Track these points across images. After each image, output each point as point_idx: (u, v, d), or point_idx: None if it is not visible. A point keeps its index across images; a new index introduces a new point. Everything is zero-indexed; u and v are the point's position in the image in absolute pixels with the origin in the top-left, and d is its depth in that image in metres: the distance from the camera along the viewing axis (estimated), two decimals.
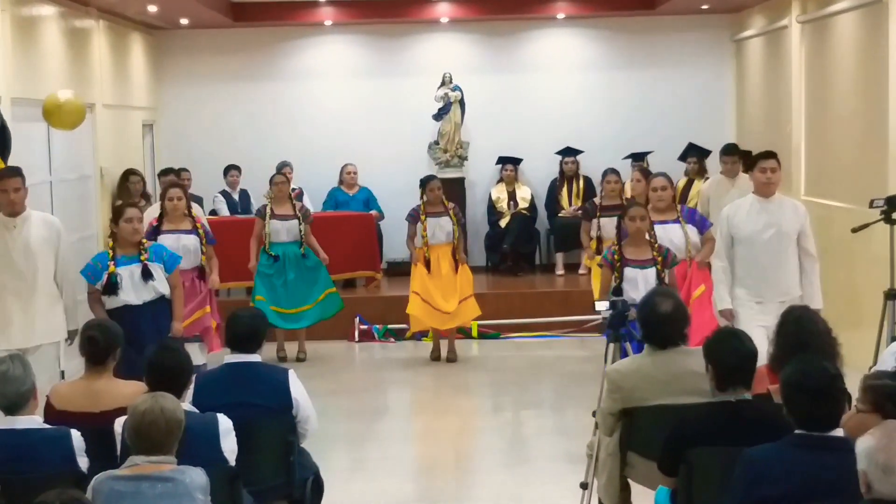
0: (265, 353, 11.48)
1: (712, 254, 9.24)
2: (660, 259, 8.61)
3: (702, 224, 9.97)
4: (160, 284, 8.67)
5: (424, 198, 12.08)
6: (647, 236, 8.74)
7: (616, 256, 8.66)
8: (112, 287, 8.55)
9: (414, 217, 12.12)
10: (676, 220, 9.70)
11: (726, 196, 11.12)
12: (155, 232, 10.20)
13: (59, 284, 8.55)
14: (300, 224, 12.20)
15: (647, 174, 11.11)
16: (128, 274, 8.60)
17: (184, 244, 10.12)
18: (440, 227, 12.05)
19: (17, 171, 8.49)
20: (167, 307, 8.74)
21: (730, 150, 12.30)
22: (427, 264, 12.03)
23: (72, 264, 8.77)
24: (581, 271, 14.92)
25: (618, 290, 8.46)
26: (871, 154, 11.01)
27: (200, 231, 10.40)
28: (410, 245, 12.24)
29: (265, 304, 11.93)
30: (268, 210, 12.25)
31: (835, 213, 11.73)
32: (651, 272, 8.56)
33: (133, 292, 8.60)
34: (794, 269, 8.72)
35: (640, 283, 8.48)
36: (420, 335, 13.15)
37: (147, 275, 8.61)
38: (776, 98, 14.23)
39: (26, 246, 8.30)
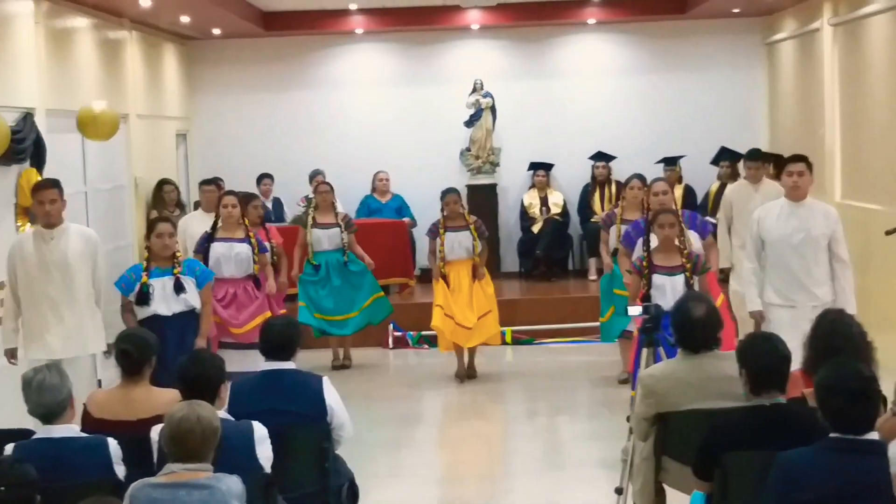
0: (315, 362, 11.61)
1: (718, 263, 9.37)
2: (689, 266, 8.59)
3: (703, 229, 9.88)
4: (191, 297, 8.73)
5: (444, 212, 11.78)
6: (676, 242, 8.72)
7: (644, 263, 8.65)
8: (143, 297, 8.63)
9: (433, 232, 11.80)
10: None
11: (750, 202, 11.06)
12: (208, 239, 10.26)
13: (97, 297, 8.58)
14: (342, 232, 12.21)
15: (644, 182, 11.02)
16: (160, 285, 8.68)
17: (236, 252, 10.15)
18: (459, 242, 11.65)
19: (54, 183, 8.53)
20: (195, 321, 8.78)
21: (753, 156, 12.17)
22: (445, 280, 11.69)
23: (108, 277, 8.81)
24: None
25: (646, 297, 8.48)
26: None
27: (253, 240, 10.45)
28: (431, 260, 11.93)
29: (306, 309, 12.01)
30: (309, 219, 12.28)
31: (871, 216, 11.67)
32: (679, 279, 8.54)
33: (164, 303, 8.67)
34: (825, 275, 8.65)
35: (668, 290, 8.46)
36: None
37: (179, 288, 8.69)
38: (809, 101, 14.17)
39: (63, 258, 8.34)
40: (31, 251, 8.35)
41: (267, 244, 11.02)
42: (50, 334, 8.32)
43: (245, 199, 11.70)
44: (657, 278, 8.56)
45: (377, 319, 12.61)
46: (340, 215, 12.37)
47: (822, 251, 8.65)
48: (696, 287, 8.55)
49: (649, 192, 10.00)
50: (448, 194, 11.81)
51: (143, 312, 8.67)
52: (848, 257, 8.75)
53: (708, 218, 13.66)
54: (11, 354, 8.45)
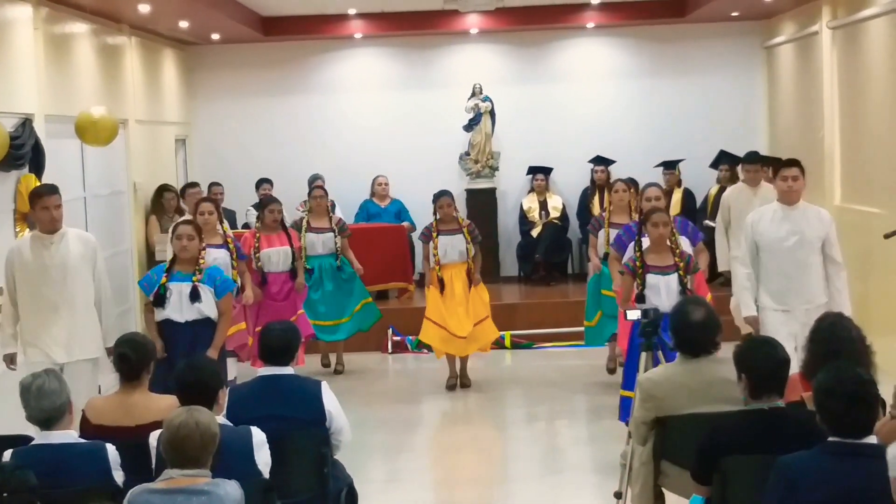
0: (309, 365, 11.63)
1: (707, 265, 9.43)
2: (682, 265, 8.60)
3: (694, 235, 9.90)
4: (206, 307, 8.59)
5: (437, 215, 11.59)
6: (668, 243, 8.72)
7: (638, 263, 8.65)
8: (159, 299, 8.60)
9: (426, 236, 11.59)
10: None
11: (749, 205, 11.06)
12: None
13: (97, 301, 8.57)
14: (336, 237, 12.21)
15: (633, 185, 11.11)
16: (178, 290, 8.62)
17: (213, 258, 10.12)
18: (453, 246, 11.44)
19: (55, 189, 8.57)
20: (209, 331, 8.60)
21: (751, 159, 12.18)
22: (441, 284, 11.50)
23: (108, 281, 8.80)
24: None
25: (640, 297, 8.48)
26: None
27: (231, 246, 10.42)
28: (425, 265, 11.75)
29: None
30: (304, 223, 12.26)
31: (870, 220, 11.66)
32: (673, 279, 8.54)
33: (178, 309, 8.60)
34: (819, 277, 8.68)
35: (662, 289, 8.48)
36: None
37: (195, 296, 8.59)
38: (808, 104, 14.17)
39: (64, 262, 8.35)
40: (30, 256, 8.34)
41: (301, 247, 11.48)
42: (50, 339, 8.32)
43: (264, 203, 11.79)
44: (651, 278, 8.56)
45: (367, 325, 12.59)
46: (335, 220, 12.37)
47: (817, 254, 8.67)
48: (690, 286, 8.56)
49: (642, 197, 9.98)
50: (441, 197, 11.61)
51: (158, 315, 8.64)
52: (842, 259, 8.77)
53: (708, 221, 13.69)
54: (10, 360, 8.46)
